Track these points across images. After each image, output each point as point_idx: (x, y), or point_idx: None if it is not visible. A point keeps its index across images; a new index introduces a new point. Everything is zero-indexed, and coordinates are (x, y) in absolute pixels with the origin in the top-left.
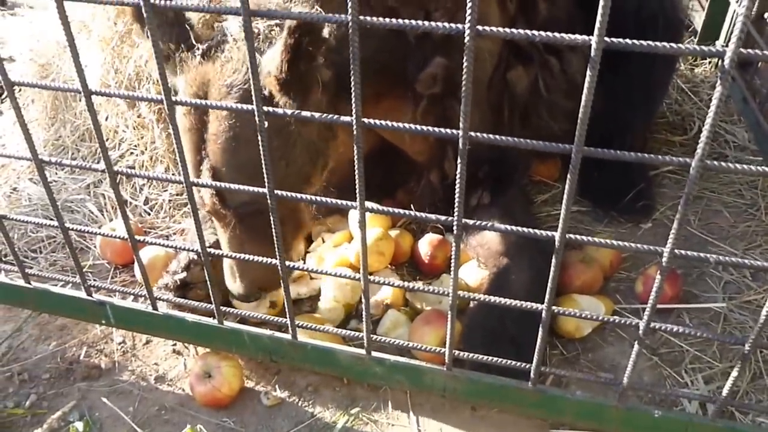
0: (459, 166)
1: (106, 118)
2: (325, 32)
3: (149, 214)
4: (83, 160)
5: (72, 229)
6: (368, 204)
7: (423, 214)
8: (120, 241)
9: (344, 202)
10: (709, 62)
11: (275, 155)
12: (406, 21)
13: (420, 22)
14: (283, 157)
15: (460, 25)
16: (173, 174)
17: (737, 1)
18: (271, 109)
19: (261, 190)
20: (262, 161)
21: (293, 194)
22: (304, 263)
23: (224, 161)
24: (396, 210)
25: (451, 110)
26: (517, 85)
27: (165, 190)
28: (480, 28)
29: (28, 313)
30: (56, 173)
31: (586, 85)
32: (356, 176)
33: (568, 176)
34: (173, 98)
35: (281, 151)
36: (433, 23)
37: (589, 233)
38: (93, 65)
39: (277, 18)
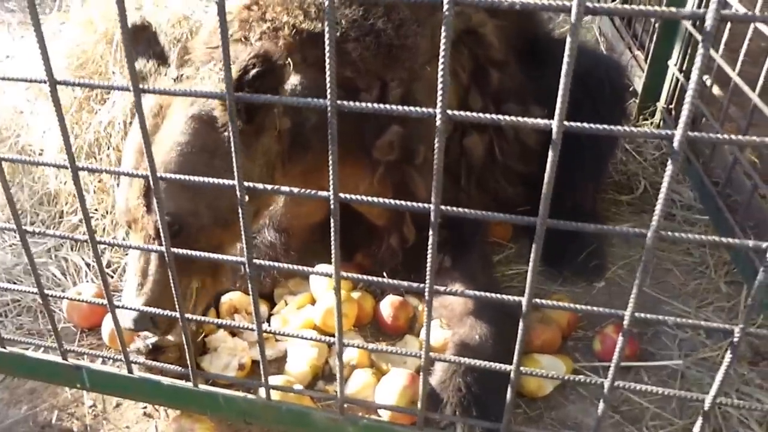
0: (431, 237)
1: (65, 183)
2: (287, 86)
3: (112, 277)
4: (42, 224)
5: (51, 296)
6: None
7: (396, 282)
8: (87, 305)
9: (322, 271)
10: (651, 122)
11: (212, 174)
12: (383, 105)
13: (397, 107)
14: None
15: (431, 110)
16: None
17: (675, 64)
18: (251, 185)
19: (238, 259)
20: (242, 229)
21: (271, 263)
22: (269, 326)
23: (164, 162)
24: (370, 278)
25: (408, 176)
26: (473, 151)
27: (126, 254)
28: (450, 112)
29: None
30: (15, 236)
31: (548, 164)
32: (332, 246)
33: (533, 246)
34: (159, 174)
35: (219, 174)
36: (410, 108)
37: (545, 293)
38: (52, 131)
39: (262, 102)
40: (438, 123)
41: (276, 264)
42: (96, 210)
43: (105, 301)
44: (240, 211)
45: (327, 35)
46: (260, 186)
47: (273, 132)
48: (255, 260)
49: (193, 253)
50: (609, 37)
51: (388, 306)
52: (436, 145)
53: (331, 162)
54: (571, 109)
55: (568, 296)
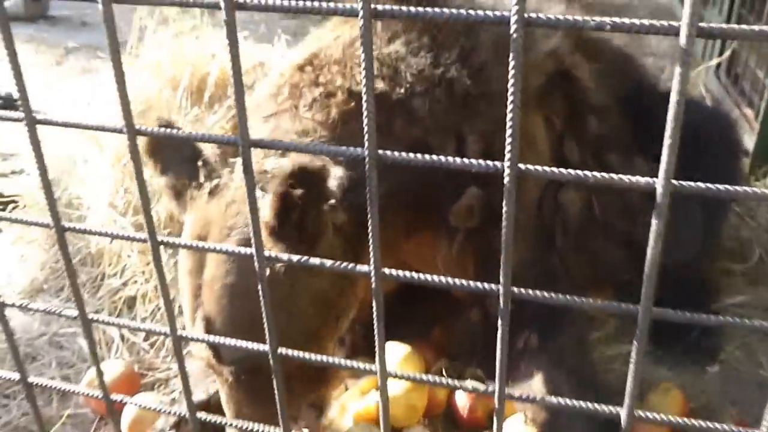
0: (501, 326)
1: (111, 242)
2: (332, 183)
3: (149, 353)
4: (82, 286)
5: (36, 385)
6: (390, 368)
7: (457, 383)
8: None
9: (360, 364)
10: (764, 184)
11: (275, 311)
12: (434, 157)
13: (449, 159)
14: (283, 309)
15: (498, 163)
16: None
17: None
18: (273, 253)
19: (261, 347)
20: (263, 313)
21: (299, 353)
22: (323, 415)
23: (218, 311)
24: (421, 376)
25: (496, 242)
26: (570, 209)
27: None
28: (522, 166)
29: None
30: (49, 301)
31: (651, 235)
32: (376, 336)
33: (634, 343)
34: (159, 238)
35: (281, 308)
36: (465, 160)
37: (650, 379)
38: (102, 183)
39: (280, 149)
40: (507, 182)
41: (305, 355)
42: (142, 272)
43: (100, 394)
44: (260, 285)
45: (364, 76)
46: (284, 257)
47: (329, 232)
48: (279, 350)
49: (194, 335)
50: (714, 94)
51: (464, 395)
52: (504, 209)
53: (371, 227)
54: (677, 167)
55: (676, 385)
